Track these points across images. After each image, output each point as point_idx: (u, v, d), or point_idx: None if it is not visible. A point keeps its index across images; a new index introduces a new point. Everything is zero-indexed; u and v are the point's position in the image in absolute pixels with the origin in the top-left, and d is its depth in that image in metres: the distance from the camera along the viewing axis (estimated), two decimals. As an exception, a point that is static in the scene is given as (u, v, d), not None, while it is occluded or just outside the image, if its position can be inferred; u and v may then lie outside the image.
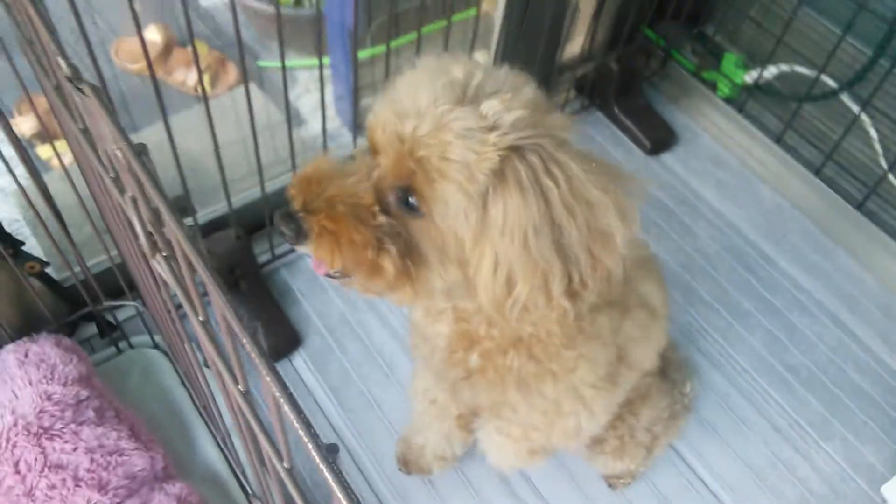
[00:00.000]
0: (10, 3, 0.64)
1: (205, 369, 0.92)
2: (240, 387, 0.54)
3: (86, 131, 0.64)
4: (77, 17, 0.88)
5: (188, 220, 1.23)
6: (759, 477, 1.22)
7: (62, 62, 0.43)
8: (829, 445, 1.26)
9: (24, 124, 1.79)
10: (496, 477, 1.19)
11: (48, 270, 1.13)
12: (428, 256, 0.67)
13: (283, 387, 0.44)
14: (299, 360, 1.30)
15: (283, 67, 1.11)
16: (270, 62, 1.99)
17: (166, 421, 1.18)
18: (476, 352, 0.83)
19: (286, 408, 0.44)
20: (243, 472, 1.10)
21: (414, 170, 0.63)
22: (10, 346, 1.06)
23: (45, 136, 1.77)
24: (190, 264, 0.49)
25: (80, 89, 0.41)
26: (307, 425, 0.42)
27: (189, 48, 1.94)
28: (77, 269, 1.13)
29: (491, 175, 0.62)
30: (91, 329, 1.25)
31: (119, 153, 0.48)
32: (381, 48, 1.60)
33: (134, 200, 0.54)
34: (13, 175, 0.97)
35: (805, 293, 1.45)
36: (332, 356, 1.30)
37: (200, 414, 1.19)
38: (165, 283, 0.66)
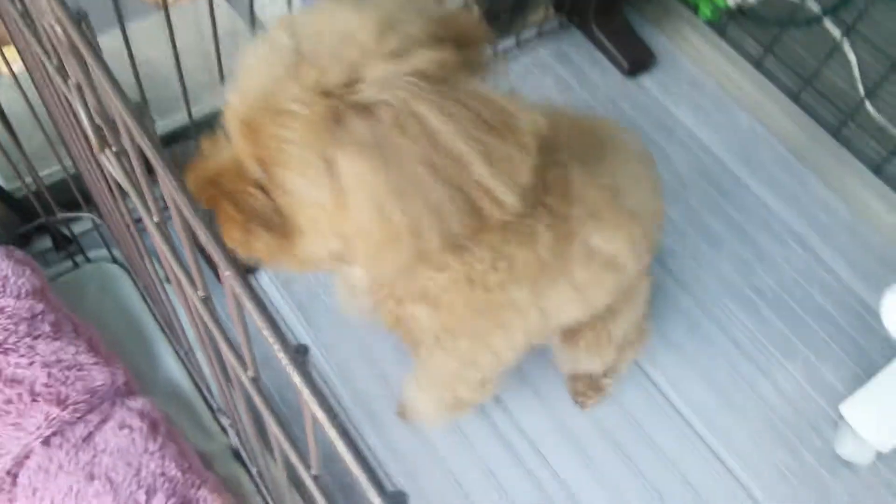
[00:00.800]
0: None
1: (165, 284, 0.88)
2: (199, 292, 0.51)
3: (25, 14, 0.58)
4: None
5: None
6: (723, 395, 1.24)
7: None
8: (791, 365, 1.28)
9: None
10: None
11: (-2, 180, 1.08)
12: (304, 228, 0.65)
13: (246, 284, 0.41)
14: (264, 276, 1.27)
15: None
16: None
17: (127, 337, 1.15)
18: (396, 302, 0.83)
19: (249, 306, 0.41)
20: (207, 388, 1.08)
21: (256, 151, 0.61)
22: (-41, 257, 1.02)
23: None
24: (142, 154, 0.45)
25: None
26: (272, 324, 0.39)
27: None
28: (28, 179, 1.08)
29: (326, 141, 0.58)
30: (46, 243, 1.21)
31: (58, 28, 0.43)
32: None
33: (79, 87, 0.50)
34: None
35: (775, 217, 1.44)
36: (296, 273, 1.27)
37: (162, 329, 1.16)
38: (119, 187, 0.63)
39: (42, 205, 1.10)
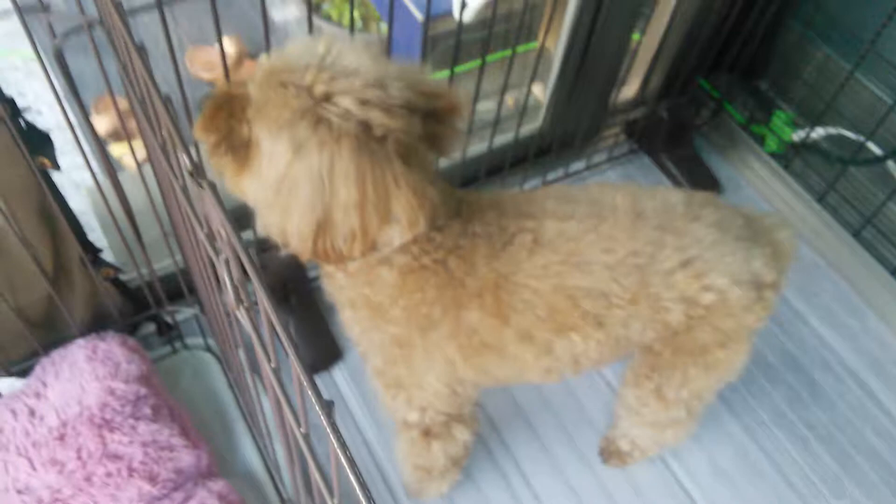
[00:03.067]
0: (123, 65, 0.73)
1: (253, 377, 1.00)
2: (301, 429, 0.61)
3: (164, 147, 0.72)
4: (167, 36, 0.92)
5: (247, 233, 1.32)
6: (767, 529, 1.27)
7: (185, 160, 0.51)
8: (839, 505, 1.30)
9: (101, 123, 1.91)
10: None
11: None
12: (251, 168, 0.78)
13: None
14: (339, 373, 1.39)
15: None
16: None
17: (212, 420, 1.27)
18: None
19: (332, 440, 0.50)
20: (280, 477, 1.19)
21: (262, 97, 0.75)
22: (81, 342, 1.16)
23: (120, 135, 1.89)
24: (272, 325, 0.57)
25: (199, 184, 0.49)
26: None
27: (261, 60, 2.05)
28: (144, 270, 1.23)
29: (292, 125, 0.72)
30: (150, 328, 1.35)
31: (223, 233, 0.56)
32: (444, 73, 1.68)
33: (227, 262, 0.62)
34: (92, 172, 1.01)
35: (831, 351, 1.48)
36: (369, 372, 1.38)
37: (244, 416, 1.28)
38: (217, 280, 0.75)
39: (153, 296, 1.25)
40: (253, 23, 2.20)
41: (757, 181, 1.72)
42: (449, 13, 1.73)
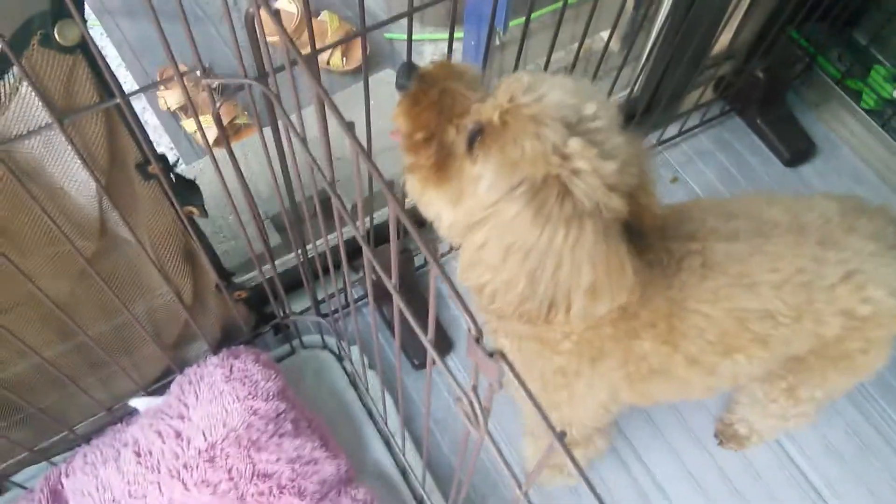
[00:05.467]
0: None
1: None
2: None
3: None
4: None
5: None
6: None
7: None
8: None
9: (171, 97, 1.86)
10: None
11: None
12: (450, 185, 0.74)
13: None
14: (451, 362, 1.40)
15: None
16: (398, 34, 2.00)
17: (339, 421, 1.30)
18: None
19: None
20: (413, 473, 1.22)
21: (497, 125, 0.70)
22: (215, 360, 1.18)
23: (190, 110, 1.85)
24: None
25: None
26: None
27: (322, 18, 1.97)
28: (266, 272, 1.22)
29: (533, 183, 0.68)
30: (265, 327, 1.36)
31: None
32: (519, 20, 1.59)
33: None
34: (220, 175, 0.88)
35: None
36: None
37: (370, 414, 1.31)
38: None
39: (278, 304, 1.25)
40: (311, -24, 2.10)
41: (853, 140, 1.68)
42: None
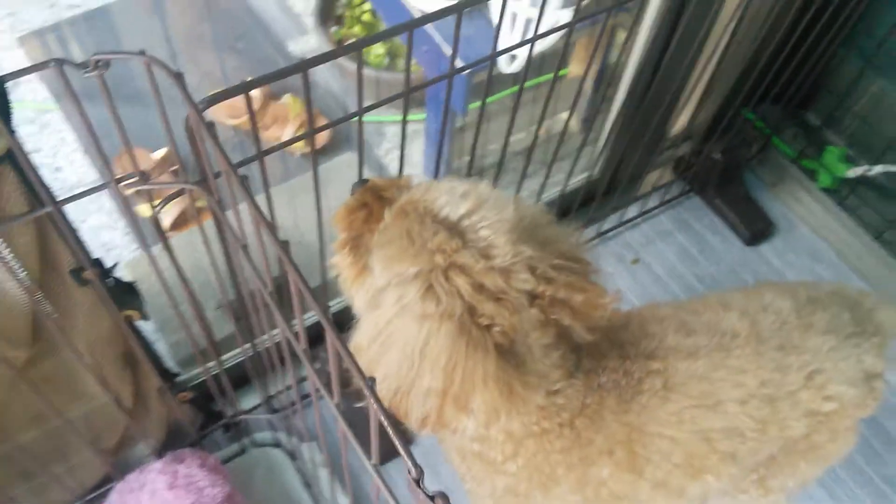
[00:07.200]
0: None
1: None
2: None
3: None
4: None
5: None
6: None
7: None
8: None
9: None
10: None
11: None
12: (365, 279, 0.76)
13: None
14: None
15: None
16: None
17: (292, 524, 1.23)
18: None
19: None
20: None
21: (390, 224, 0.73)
22: (158, 465, 1.10)
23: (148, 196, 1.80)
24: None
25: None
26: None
27: (284, 102, 1.96)
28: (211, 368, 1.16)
29: (403, 277, 0.68)
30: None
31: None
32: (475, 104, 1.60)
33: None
34: (154, 264, 0.83)
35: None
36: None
37: (324, 517, 1.24)
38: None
39: (225, 399, 1.19)
40: (272, 60, 2.11)
41: (811, 218, 1.69)
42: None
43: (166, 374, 1.02)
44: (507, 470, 0.84)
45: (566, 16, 1.40)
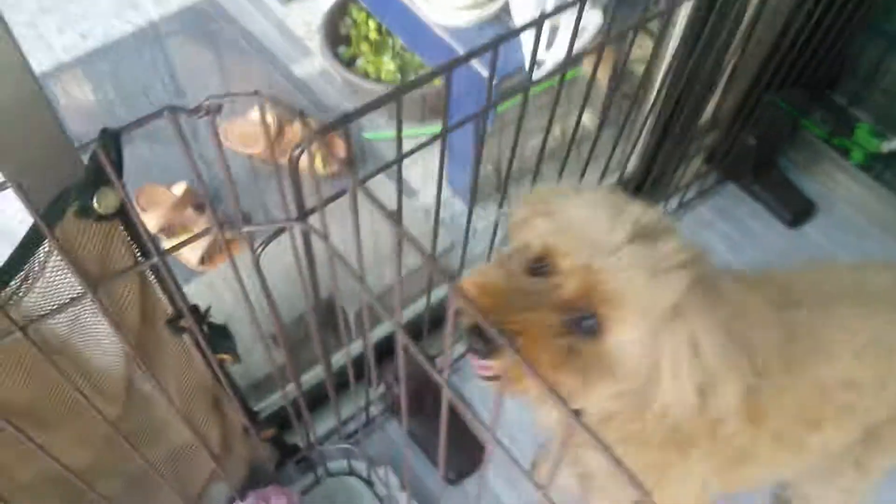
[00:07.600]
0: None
1: None
2: None
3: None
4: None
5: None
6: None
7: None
8: None
9: (150, 220, 1.79)
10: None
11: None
12: (593, 371, 0.70)
13: None
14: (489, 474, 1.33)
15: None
16: (376, 134, 1.97)
17: (377, 552, 1.21)
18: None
19: None
20: None
21: (602, 299, 0.66)
22: (246, 507, 1.09)
23: (170, 230, 1.78)
24: None
25: None
26: None
27: (296, 126, 1.94)
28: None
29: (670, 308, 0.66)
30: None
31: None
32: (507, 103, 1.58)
33: None
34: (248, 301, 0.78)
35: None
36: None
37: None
38: None
39: (302, 428, 1.17)
40: (279, 84, 2.09)
41: (849, 196, 1.69)
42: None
43: (251, 415, 1.00)
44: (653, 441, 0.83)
45: (593, 17, 1.39)
